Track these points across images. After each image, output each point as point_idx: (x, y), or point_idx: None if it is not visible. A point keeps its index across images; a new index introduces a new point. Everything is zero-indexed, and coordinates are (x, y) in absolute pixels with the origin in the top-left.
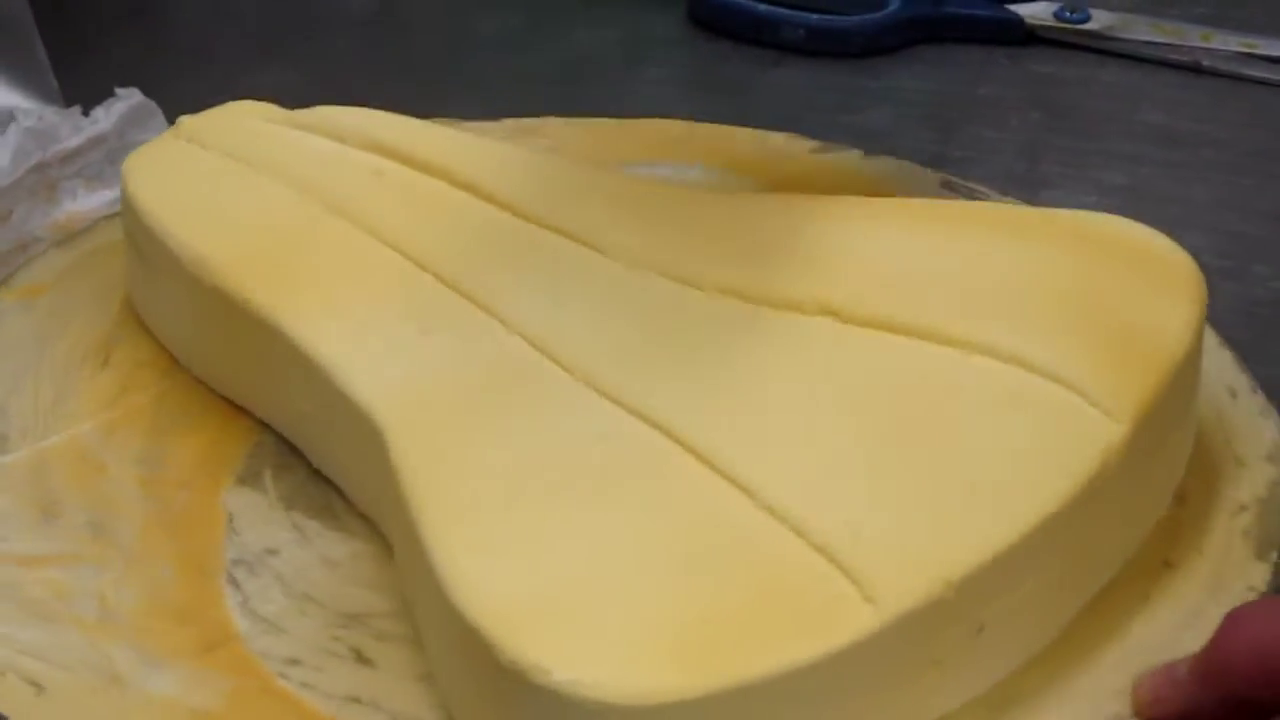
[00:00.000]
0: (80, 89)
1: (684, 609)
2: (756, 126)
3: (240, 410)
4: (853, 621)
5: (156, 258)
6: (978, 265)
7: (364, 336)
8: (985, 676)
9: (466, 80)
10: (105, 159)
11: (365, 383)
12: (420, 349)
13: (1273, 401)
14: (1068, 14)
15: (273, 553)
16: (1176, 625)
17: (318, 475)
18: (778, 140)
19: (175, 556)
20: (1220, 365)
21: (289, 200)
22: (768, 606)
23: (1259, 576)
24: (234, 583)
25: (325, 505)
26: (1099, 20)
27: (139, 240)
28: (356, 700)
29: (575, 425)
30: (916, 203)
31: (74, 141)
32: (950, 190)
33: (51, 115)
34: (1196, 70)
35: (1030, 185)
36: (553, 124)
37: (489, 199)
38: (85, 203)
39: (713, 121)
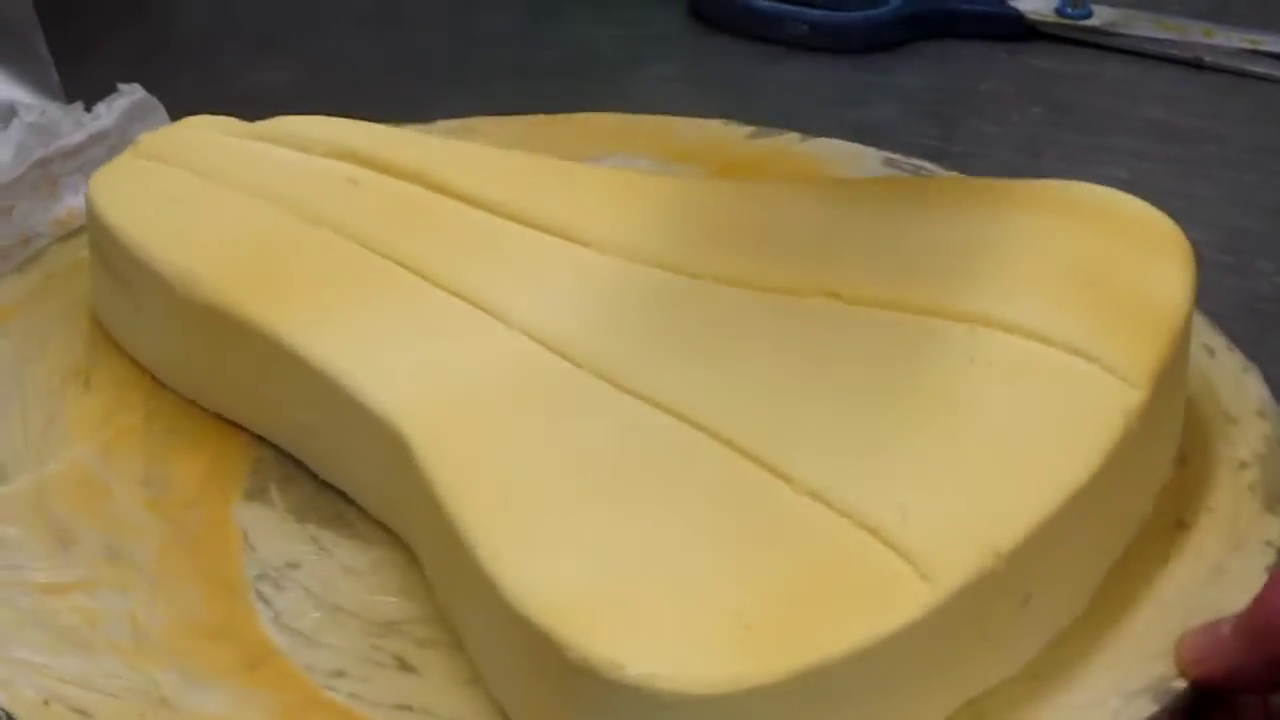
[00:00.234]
0: (83, 85)
1: (744, 597)
2: (759, 123)
3: (234, 426)
4: (911, 599)
5: (136, 279)
6: (971, 240)
7: (368, 344)
8: (1030, 647)
9: (468, 77)
10: (107, 155)
11: (379, 390)
12: (427, 353)
13: (1279, 398)
14: (1069, 10)
15: (294, 566)
16: (1201, 583)
17: (323, 486)
18: (715, 127)
19: (198, 576)
20: (1195, 325)
21: (266, 213)
22: (826, 590)
23: (1273, 530)
24: (262, 598)
25: (336, 515)
26: (1100, 16)
27: (114, 262)
28: (407, 708)
29: (600, 420)
30: (899, 181)
31: (76, 137)
32: (893, 167)
33: (54, 111)
34: (1198, 66)
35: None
36: (485, 124)
37: (467, 200)
38: None
39: (720, 117)
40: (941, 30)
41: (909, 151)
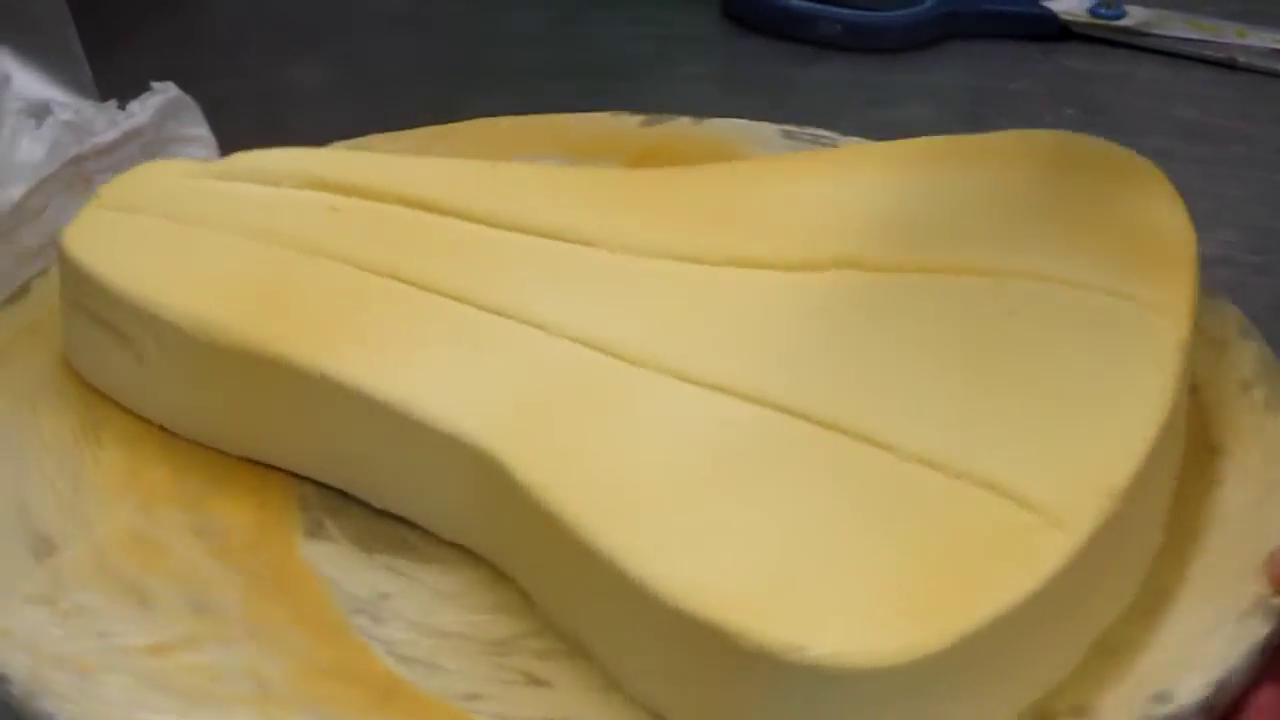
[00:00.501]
0: (115, 83)
1: (892, 567)
2: (793, 123)
3: (265, 467)
4: (1051, 550)
5: (138, 332)
6: (967, 196)
7: (419, 367)
8: (1136, 581)
9: (499, 77)
10: (141, 153)
11: (450, 412)
12: (481, 369)
13: None
14: (1102, 10)
15: (385, 597)
16: (1254, 503)
17: (377, 515)
18: (606, 119)
19: (294, 619)
20: None
21: (261, 250)
22: (966, 551)
23: None
24: (365, 632)
25: (402, 542)
26: (1134, 16)
27: (107, 317)
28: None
29: (682, 414)
30: (867, 148)
31: (110, 135)
32: (792, 139)
33: (88, 109)
34: (1231, 66)
35: None
36: (381, 140)
37: (458, 214)
38: None
39: (752, 117)
40: (974, 30)
41: None
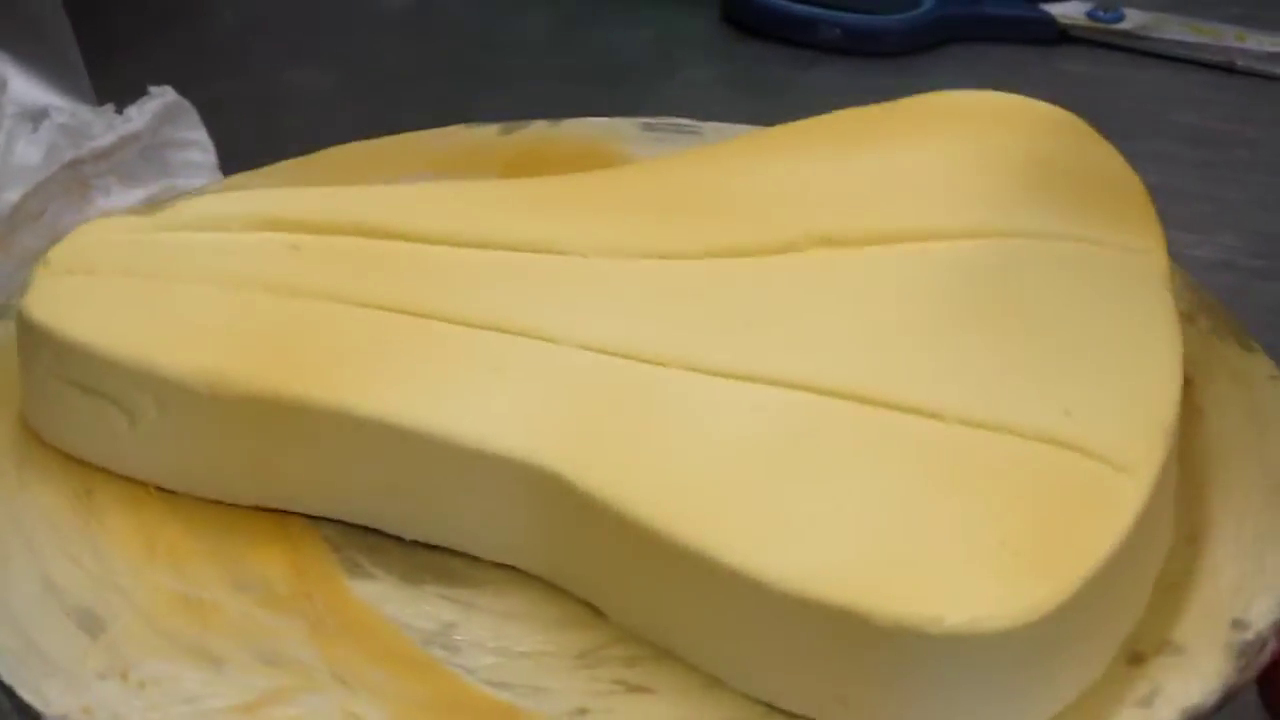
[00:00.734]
0: (114, 89)
1: (985, 532)
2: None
3: (277, 514)
4: (1128, 494)
5: (132, 395)
6: (919, 163)
7: (446, 392)
8: (1173, 518)
9: (499, 80)
10: (139, 157)
11: (497, 434)
12: (509, 387)
13: None
14: (1101, 13)
15: (450, 627)
16: (1240, 426)
17: (410, 547)
18: (461, 132)
19: (373, 660)
20: None
21: (239, 297)
22: (1048, 506)
23: (1265, 364)
24: (449, 664)
25: (447, 570)
26: (1132, 20)
27: (91, 383)
28: None
29: (724, 408)
30: (805, 124)
31: (107, 139)
32: (652, 131)
33: (85, 113)
34: (1230, 70)
35: None
36: (241, 178)
37: (419, 239)
38: (119, 201)
39: (750, 122)
40: (974, 34)
41: None
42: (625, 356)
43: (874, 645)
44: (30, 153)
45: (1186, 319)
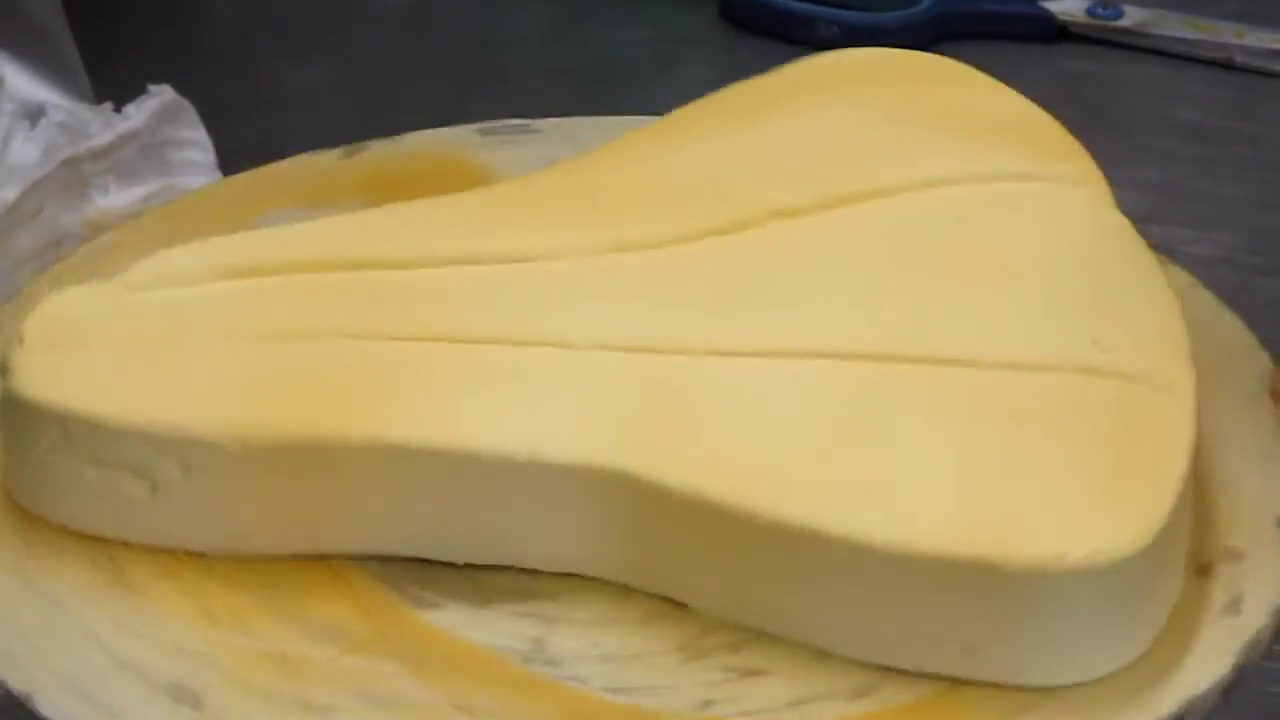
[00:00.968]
0: (113, 88)
1: (1066, 467)
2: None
3: (314, 560)
4: (1175, 414)
5: (153, 461)
6: (834, 125)
7: (484, 409)
8: None
9: (498, 78)
10: (137, 156)
11: (552, 442)
12: (543, 394)
13: None
14: (1100, 10)
15: (539, 642)
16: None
17: (461, 571)
18: (308, 160)
19: (484, 687)
20: None
21: (240, 347)
22: (1112, 435)
23: (1179, 277)
24: (559, 678)
25: (510, 587)
26: (1131, 16)
27: (102, 456)
28: (798, 702)
29: (768, 386)
30: (716, 99)
31: (105, 138)
32: (490, 135)
33: (82, 111)
34: (1229, 66)
35: None
36: (120, 234)
37: (396, 266)
38: (117, 199)
39: None
40: (972, 31)
41: None
42: (645, 350)
43: (1001, 592)
44: (28, 151)
45: None
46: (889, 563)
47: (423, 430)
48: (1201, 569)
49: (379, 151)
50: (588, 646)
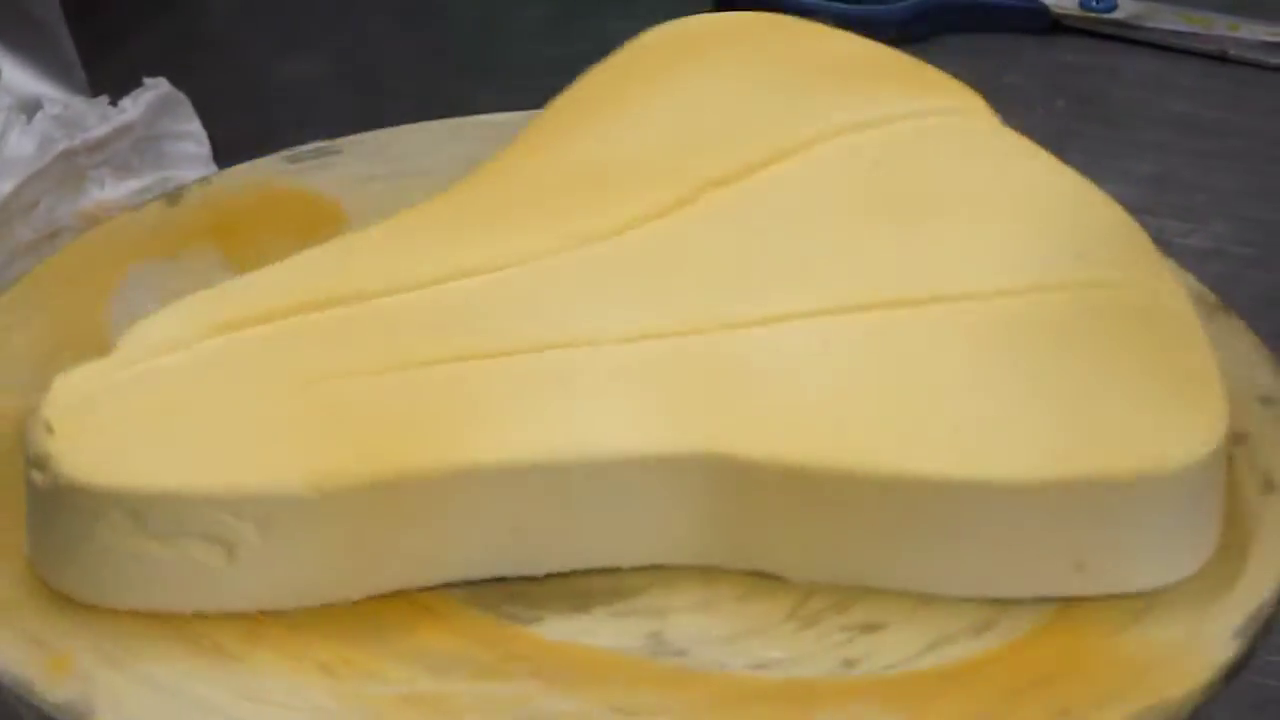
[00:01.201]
0: (109, 81)
1: (1116, 381)
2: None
3: (390, 597)
4: (1185, 315)
5: (228, 526)
6: (733, 88)
7: (552, 417)
8: None
9: (498, 70)
10: (133, 149)
11: (625, 437)
12: (617, 391)
13: None
14: (1094, 3)
15: (657, 635)
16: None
17: (540, 583)
18: (140, 215)
19: (633, 685)
20: None
21: (277, 397)
22: (1143, 342)
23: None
24: (701, 667)
25: (597, 589)
26: (1125, 9)
27: (171, 530)
28: (931, 646)
29: (792, 349)
30: (571, 100)
31: (101, 130)
32: (295, 161)
33: (78, 104)
34: (1223, 59)
35: None
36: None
37: (393, 292)
38: (113, 192)
39: None
40: (968, 23)
41: None
42: (670, 335)
43: (1111, 503)
44: (24, 143)
45: None
46: (1001, 497)
47: (501, 448)
48: (1267, 486)
49: (200, 196)
50: (703, 632)
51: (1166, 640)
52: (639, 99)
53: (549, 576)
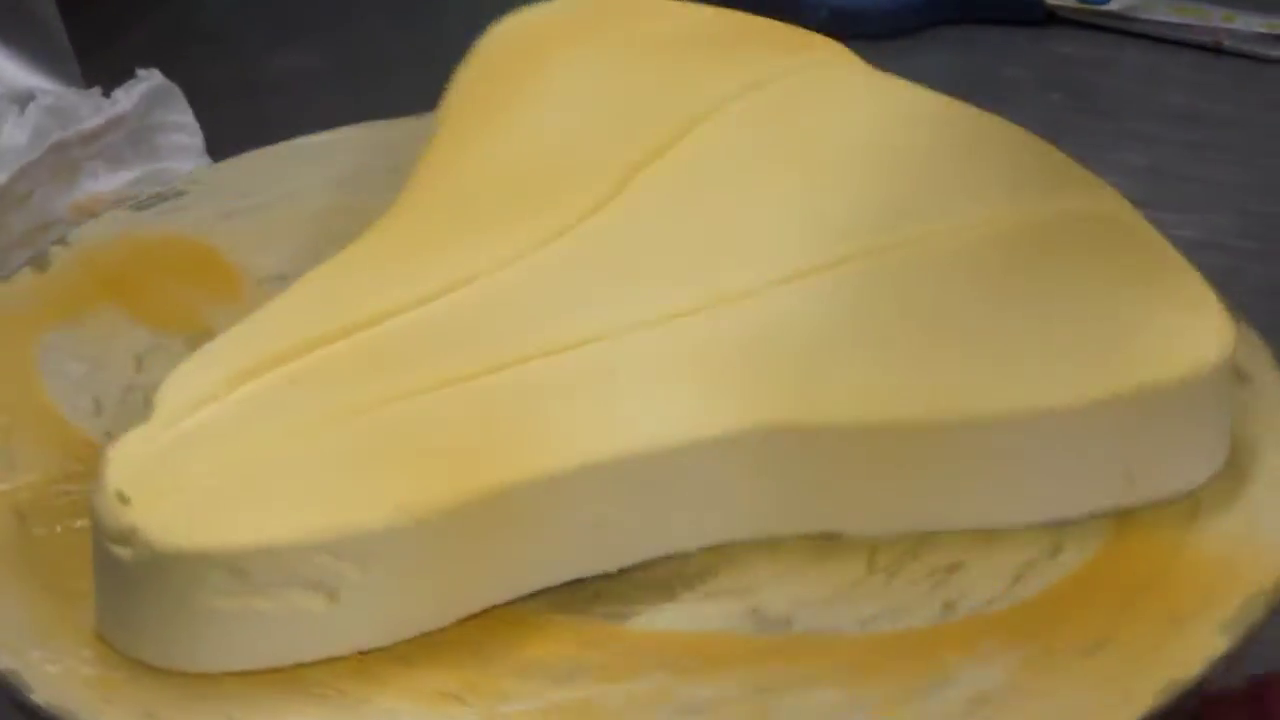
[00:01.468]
0: (102, 73)
1: (1136, 296)
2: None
3: (482, 616)
4: (1155, 237)
5: (332, 570)
6: (622, 74)
7: (636, 406)
8: None
9: None
10: (126, 140)
11: (691, 422)
12: (672, 375)
13: None
14: None
15: (757, 611)
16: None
17: (614, 579)
18: (12, 285)
19: (763, 662)
20: None
21: (337, 431)
22: (1130, 261)
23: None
24: (819, 631)
25: (681, 575)
26: (1120, 1)
27: (278, 581)
28: (1018, 576)
29: (804, 311)
30: (460, 102)
31: (95, 122)
32: (143, 208)
33: (71, 95)
34: (1218, 51)
35: None
36: None
37: (399, 311)
38: (106, 183)
39: None
40: (962, 16)
41: None
42: (679, 316)
43: (1160, 409)
44: (17, 135)
45: None
46: (1059, 422)
47: (578, 449)
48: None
49: (68, 258)
50: (798, 599)
51: (1232, 535)
52: (531, 94)
53: (621, 572)
